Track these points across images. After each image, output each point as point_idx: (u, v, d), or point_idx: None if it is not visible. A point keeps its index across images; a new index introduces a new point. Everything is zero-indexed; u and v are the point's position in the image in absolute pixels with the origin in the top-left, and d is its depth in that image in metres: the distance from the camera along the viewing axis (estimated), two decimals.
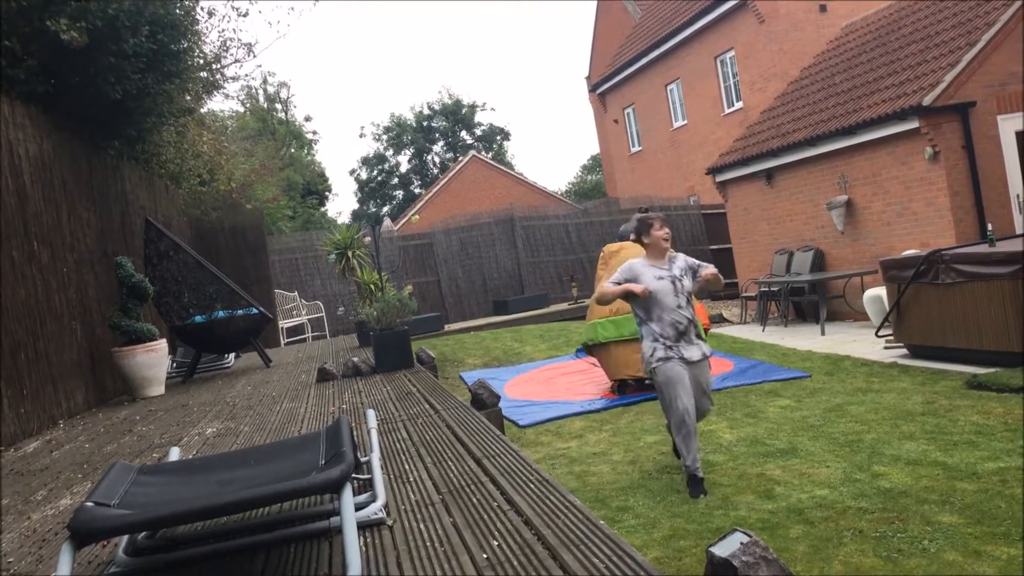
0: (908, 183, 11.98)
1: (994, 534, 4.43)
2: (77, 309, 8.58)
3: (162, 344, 9.11)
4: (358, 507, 3.27)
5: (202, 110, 15.66)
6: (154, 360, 8.98)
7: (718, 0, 21.66)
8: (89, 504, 2.92)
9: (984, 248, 8.74)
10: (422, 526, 3.22)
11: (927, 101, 11.15)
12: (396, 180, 54.62)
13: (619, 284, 5.79)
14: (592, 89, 32.72)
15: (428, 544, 3.01)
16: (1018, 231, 11.01)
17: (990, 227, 9.99)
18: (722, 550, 2.34)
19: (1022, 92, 11.56)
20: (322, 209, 45.16)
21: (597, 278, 9.57)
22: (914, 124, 11.48)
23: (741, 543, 2.30)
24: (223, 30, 15.34)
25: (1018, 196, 11.52)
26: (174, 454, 4.24)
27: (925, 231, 11.75)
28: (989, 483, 5.17)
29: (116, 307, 9.01)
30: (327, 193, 47.57)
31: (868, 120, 12.20)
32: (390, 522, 3.32)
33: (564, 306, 19.56)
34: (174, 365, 10.98)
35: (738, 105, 22.09)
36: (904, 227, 12.16)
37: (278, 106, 46.71)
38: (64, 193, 8.65)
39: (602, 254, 9.84)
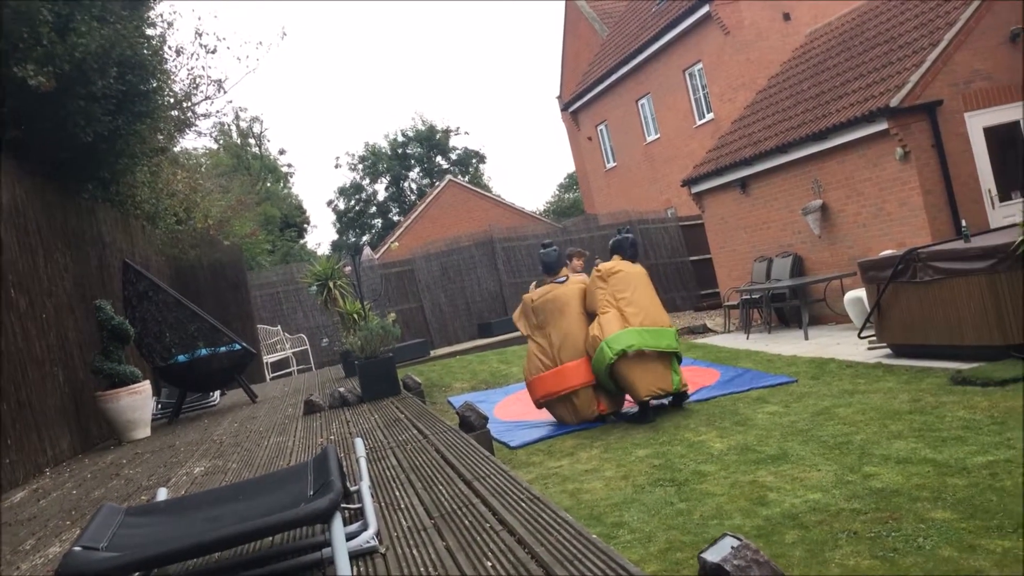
0: (881, 184, 12.09)
1: (987, 527, 4.44)
2: (58, 355, 8.50)
3: (146, 386, 9.04)
4: (350, 536, 3.25)
5: (175, 149, 15.63)
6: (138, 402, 8.90)
7: (683, 14, 21.87)
8: (77, 548, 2.89)
9: (960, 244, 8.82)
10: (415, 552, 3.20)
11: (894, 102, 11.28)
12: (374, 209, 54.62)
13: None
14: (564, 108, 32.91)
15: (422, 570, 2.99)
16: (992, 226, 11.12)
17: (964, 223, 10.09)
18: (713, 555, 2.33)
19: (987, 89, 11.72)
20: (301, 242, 45.16)
21: (599, 300, 9.13)
22: (883, 126, 11.60)
23: (732, 547, 2.30)
24: (192, 68, 15.40)
25: (990, 191, 11.65)
26: (162, 494, 4.20)
27: (901, 231, 11.85)
28: (979, 477, 5.19)
29: (97, 351, 8.93)
30: (305, 225, 47.60)
31: (838, 124, 12.33)
32: (383, 550, 3.29)
33: None
34: (159, 406, 10.89)
35: (709, 116, 22.26)
36: (880, 228, 12.26)
37: (251, 141, 46.71)
38: (39, 239, 8.59)
39: (597, 272, 9.27)
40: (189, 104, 12.85)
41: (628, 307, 9.04)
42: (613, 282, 9.20)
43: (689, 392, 9.30)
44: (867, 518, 4.86)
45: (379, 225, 53.61)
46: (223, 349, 10.03)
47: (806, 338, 12.45)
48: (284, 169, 49.80)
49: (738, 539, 2.35)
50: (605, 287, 9.18)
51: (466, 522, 3.44)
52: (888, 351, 9.81)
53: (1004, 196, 11.72)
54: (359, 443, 4.73)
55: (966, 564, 4.08)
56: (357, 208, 54.48)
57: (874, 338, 10.15)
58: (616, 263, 9.41)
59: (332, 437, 6.51)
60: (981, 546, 4.23)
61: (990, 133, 11.74)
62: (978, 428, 6.21)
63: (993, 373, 7.53)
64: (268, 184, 44.45)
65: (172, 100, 11.91)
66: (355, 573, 3.07)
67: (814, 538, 4.71)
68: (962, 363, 8.27)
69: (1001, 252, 7.94)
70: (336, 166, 63.57)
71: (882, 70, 12.55)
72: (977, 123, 11.70)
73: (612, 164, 28.94)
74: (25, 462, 7.30)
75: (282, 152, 60.85)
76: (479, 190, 40.16)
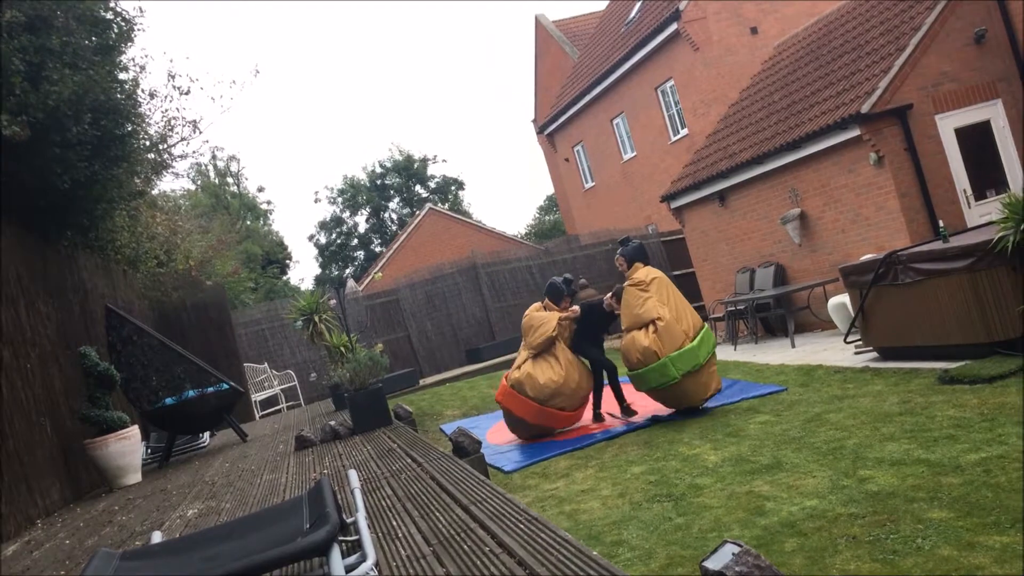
0: (857, 190, 12.20)
1: (984, 524, 4.45)
2: (44, 404, 8.42)
3: (134, 431, 8.96)
4: (349, 568, 3.22)
5: (153, 191, 15.57)
6: (128, 448, 8.82)
7: (652, 32, 22.06)
8: None
9: (939, 245, 8.89)
10: None
11: (865, 108, 11.40)
12: (355, 241, 54.57)
13: None
14: (540, 131, 33.06)
15: None
16: (969, 225, 11.22)
17: (941, 224, 10.18)
18: (715, 563, 2.33)
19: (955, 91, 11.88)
20: (284, 278, 45.00)
21: (650, 306, 9.01)
22: (856, 132, 11.72)
23: (733, 554, 2.30)
24: (166, 110, 15.33)
25: (965, 191, 11.77)
26: (156, 537, 4.16)
27: (879, 235, 11.95)
28: (973, 475, 5.21)
29: (84, 398, 8.86)
30: (288, 261, 47.43)
31: (811, 133, 12.44)
32: None
33: None
34: (149, 451, 10.80)
35: (683, 132, 22.42)
36: (859, 233, 12.36)
37: (229, 180, 46.65)
38: (20, 289, 8.53)
39: (632, 283, 9.26)
40: (165, 146, 12.82)
41: (674, 313, 9.02)
42: (656, 288, 9.16)
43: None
44: (865, 522, 4.87)
45: (361, 257, 53.57)
46: (211, 389, 9.98)
47: (793, 346, 12.49)
48: (263, 206, 49.71)
49: (739, 546, 2.34)
50: (649, 293, 9.09)
51: (465, 547, 3.42)
52: (875, 354, 9.86)
53: (979, 195, 11.84)
54: (353, 475, 4.70)
55: (966, 562, 4.08)
56: (339, 241, 54.44)
57: (860, 342, 10.19)
58: (648, 270, 9.39)
59: (325, 471, 6.47)
60: (980, 543, 4.24)
61: (961, 134, 11.88)
62: (969, 426, 6.23)
63: (980, 370, 7.57)
64: (248, 222, 44.36)
65: (148, 143, 11.89)
66: None
67: (813, 545, 4.71)
68: (949, 362, 8.32)
69: (980, 250, 8.02)
70: (316, 200, 63.64)
71: (851, 77, 12.69)
72: (948, 124, 11.84)
73: (591, 184, 29.06)
74: (16, 514, 7.21)
75: (261, 189, 60.57)
76: (460, 217, 40.23)
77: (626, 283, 9.37)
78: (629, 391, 9.82)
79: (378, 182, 53.52)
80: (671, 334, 8.84)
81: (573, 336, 9.86)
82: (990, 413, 6.42)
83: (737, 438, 7.63)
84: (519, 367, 9.80)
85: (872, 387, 8.44)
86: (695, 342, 8.86)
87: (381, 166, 53.67)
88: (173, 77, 12.22)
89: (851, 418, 7.33)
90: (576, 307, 9.95)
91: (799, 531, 4.97)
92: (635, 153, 25.20)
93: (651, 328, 8.94)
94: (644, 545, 5.38)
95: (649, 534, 5.57)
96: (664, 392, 9.06)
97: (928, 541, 4.41)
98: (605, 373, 9.84)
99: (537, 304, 10.21)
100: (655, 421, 9.20)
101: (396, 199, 54.24)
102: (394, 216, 53.93)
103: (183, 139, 12.97)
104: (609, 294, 9.80)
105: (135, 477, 8.91)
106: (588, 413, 10.05)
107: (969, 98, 11.95)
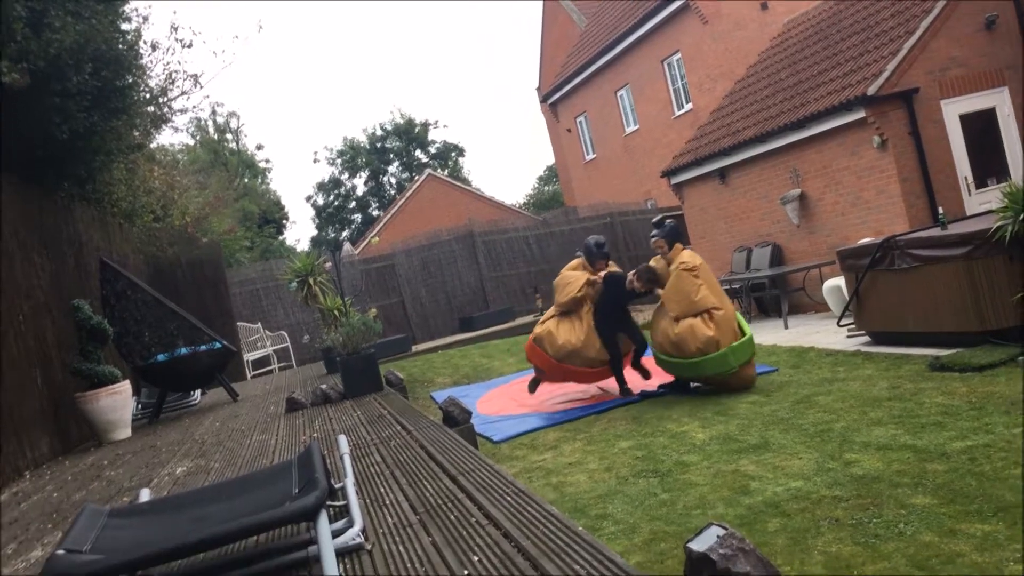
0: (859, 173, 12.17)
1: (967, 512, 4.48)
2: (36, 356, 8.42)
3: (125, 386, 8.97)
4: (335, 533, 3.24)
5: (152, 145, 15.47)
6: (118, 403, 8.83)
7: (662, 3, 21.89)
8: (60, 552, 2.87)
9: (937, 231, 8.88)
10: (401, 548, 3.20)
11: (871, 91, 11.34)
12: (353, 204, 54.40)
13: None
14: (543, 100, 32.89)
15: (408, 565, 3.00)
16: (968, 213, 11.21)
17: (941, 210, 10.17)
18: (699, 545, 2.35)
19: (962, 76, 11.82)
20: (280, 238, 44.86)
21: (703, 295, 8.58)
22: (860, 114, 11.67)
23: (718, 536, 2.32)
24: (168, 63, 15.13)
25: (966, 178, 11.75)
26: (144, 495, 4.18)
27: (878, 219, 11.93)
28: (959, 462, 5.24)
29: (76, 351, 8.85)
30: (284, 221, 47.27)
31: (816, 113, 12.39)
32: (368, 547, 3.29)
33: (530, 318, 19.53)
34: (139, 407, 10.82)
35: (688, 107, 22.31)
36: (858, 216, 12.34)
37: (228, 136, 46.35)
38: (16, 241, 8.49)
39: (683, 265, 8.76)
40: (165, 99, 12.71)
41: (723, 301, 8.78)
42: (703, 275, 8.82)
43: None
44: (848, 505, 4.90)
45: (359, 220, 53.41)
46: (203, 348, 9.98)
47: (786, 327, 12.52)
48: (262, 164, 49.43)
49: (724, 528, 2.36)
50: (701, 279, 8.73)
51: (452, 517, 3.44)
52: (867, 339, 9.88)
53: (980, 183, 11.83)
54: (343, 440, 4.72)
55: (947, 548, 4.12)
56: (336, 203, 54.25)
57: (853, 326, 10.22)
58: (691, 253, 9.08)
59: (315, 434, 6.49)
60: (961, 530, 4.28)
61: (966, 120, 11.84)
62: (956, 414, 6.27)
63: (971, 359, 7.60)
64: (246, 180, 44.12)
65: (148, 96, 11.79)
66: (341, 571, 3.07)
67: (796, 526, 4.74)
68: (940, 349, 8.34)
69: (978, 239, 8.01)
70: (315, 161, 63.67)
71: (859, 59, 12.61)
72: (953, 110, 11.80)
73: (592, 156, 28.96)
74: (4, 465, 7.23)
75: (260, 147, 60.11)
76: (459, 184, 40.06)
77: (679, 267, 8.85)
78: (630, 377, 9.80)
79: (378, 145, 53.24)
80: (729, 324, 8.58)
81: (595, 310, 9.57)
82: (978, 402, 6.45)
83: (725, 417, 7.66)
84: (544, 322, 9.84)
85: (862, 371, 8.47)
86: (749, 331, 8.69)
87: (382, 129, 53.39)
88: (176, 29, 12.11)
89: (840, 401, 7.36)
90: (603, 273, 9.67)
91: (783, 511, 5.01)
92: (638, 126, 25.09)
93: (707, 316, 8.60)
94: (628, 520, 5.41)
95: (634, 509, 5.61)
96: (716, 380, 8.76)
97: (910, 526, 4.45)
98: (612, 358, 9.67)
99: (576, 261, 10.04)
100: (644, 397, 9.22)
101: (395, 163, 54.01)
102: (393, 180, 53.74)
103: (183, 93, 12.86)
104: (633, 272, 9.39)
105: (125, 432, 8.94)
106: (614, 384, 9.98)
107: (976, 84, 11.90)
